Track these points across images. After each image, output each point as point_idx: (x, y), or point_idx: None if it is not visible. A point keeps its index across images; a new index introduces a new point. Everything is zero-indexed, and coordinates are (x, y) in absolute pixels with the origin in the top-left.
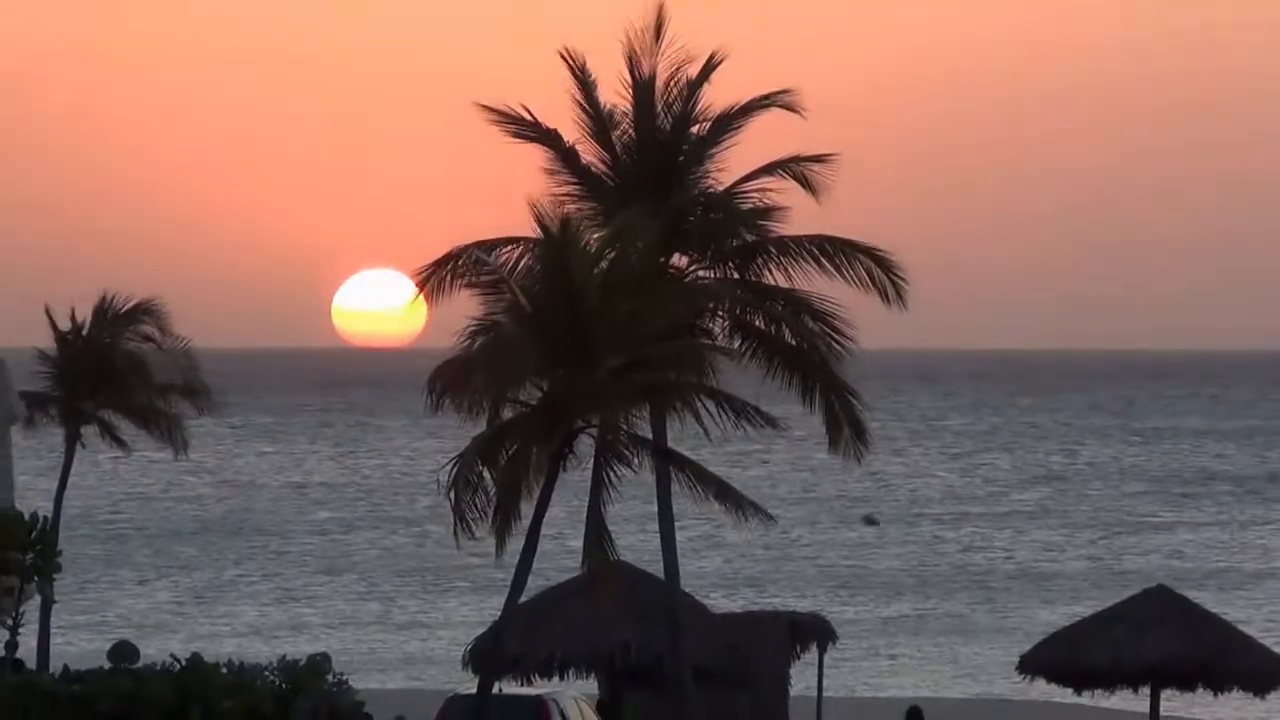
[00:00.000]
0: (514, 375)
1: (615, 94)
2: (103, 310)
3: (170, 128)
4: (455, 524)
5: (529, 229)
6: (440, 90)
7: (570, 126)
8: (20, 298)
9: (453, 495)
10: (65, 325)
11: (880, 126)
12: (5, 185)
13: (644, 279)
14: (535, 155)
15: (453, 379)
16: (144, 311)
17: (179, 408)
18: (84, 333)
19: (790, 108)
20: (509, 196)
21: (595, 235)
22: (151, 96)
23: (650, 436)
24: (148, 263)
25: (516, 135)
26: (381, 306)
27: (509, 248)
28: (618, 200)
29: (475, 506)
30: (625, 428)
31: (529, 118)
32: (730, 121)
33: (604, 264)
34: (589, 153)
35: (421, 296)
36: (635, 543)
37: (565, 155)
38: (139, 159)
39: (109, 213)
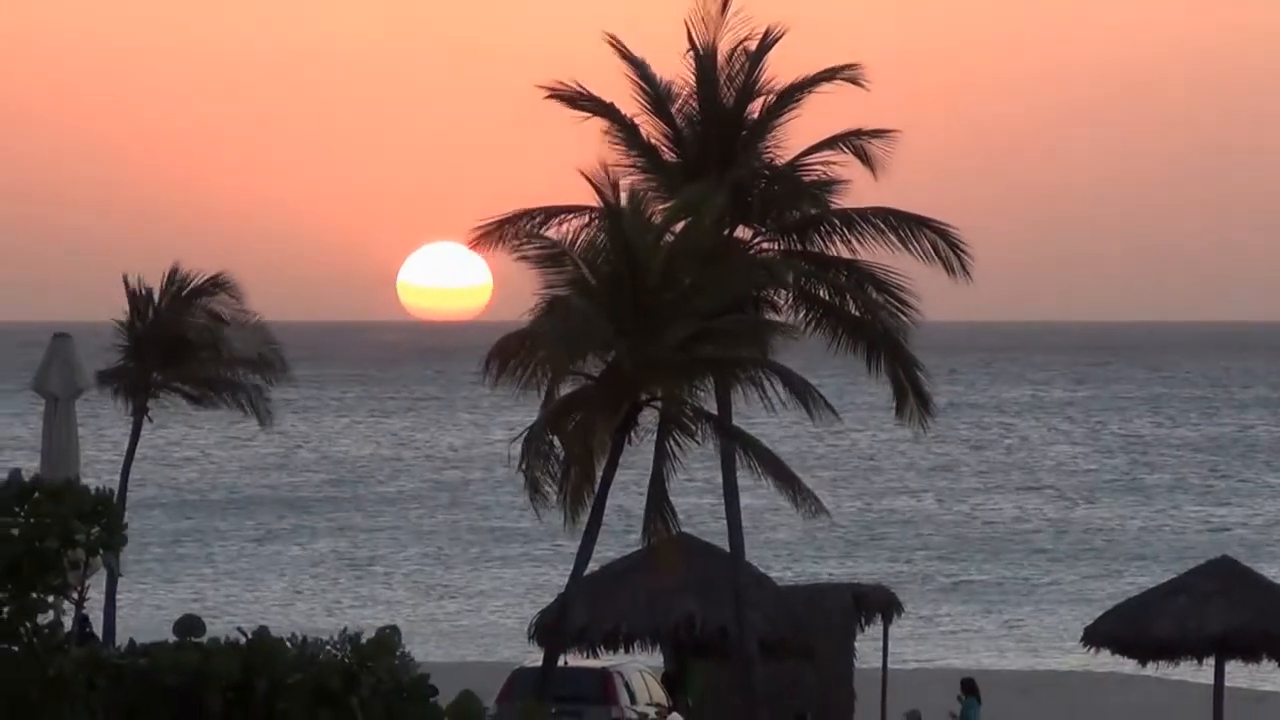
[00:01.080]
0: (579, 348)
1: (678, 66)
2: (173, 283)
3: (237, 108)
4: (530, 493)
5: (591, 199)
6: (507, 64)
7: (629, 101)
8: (95, 275)
9: (525, 465)
10: (136, 297)
11: (941, 100)
12: (84, 166)
13: (709, 251)
14: (598, 130)
15: (518, 352)
16: (215, 285)
17: (255, 380)
18: (155, 304)
19: (854, 81)
20: (574, 170)
21: (659, 208)
22: (218, 81)
23: (713, 409)
24: (216, 239)
25: (577, 108)
26: (446, 281)
27: (571, 216)
28: (679, 173)
29: (549, 474)
30: (689, 401)
31: (586, 94)
32: (794, 94)
33: (669, 237)
34: (649, 127)
35: (477, 251)
36: (689, 507)
37: (625, 128)
38: (206, 139)
39: (180, 192)
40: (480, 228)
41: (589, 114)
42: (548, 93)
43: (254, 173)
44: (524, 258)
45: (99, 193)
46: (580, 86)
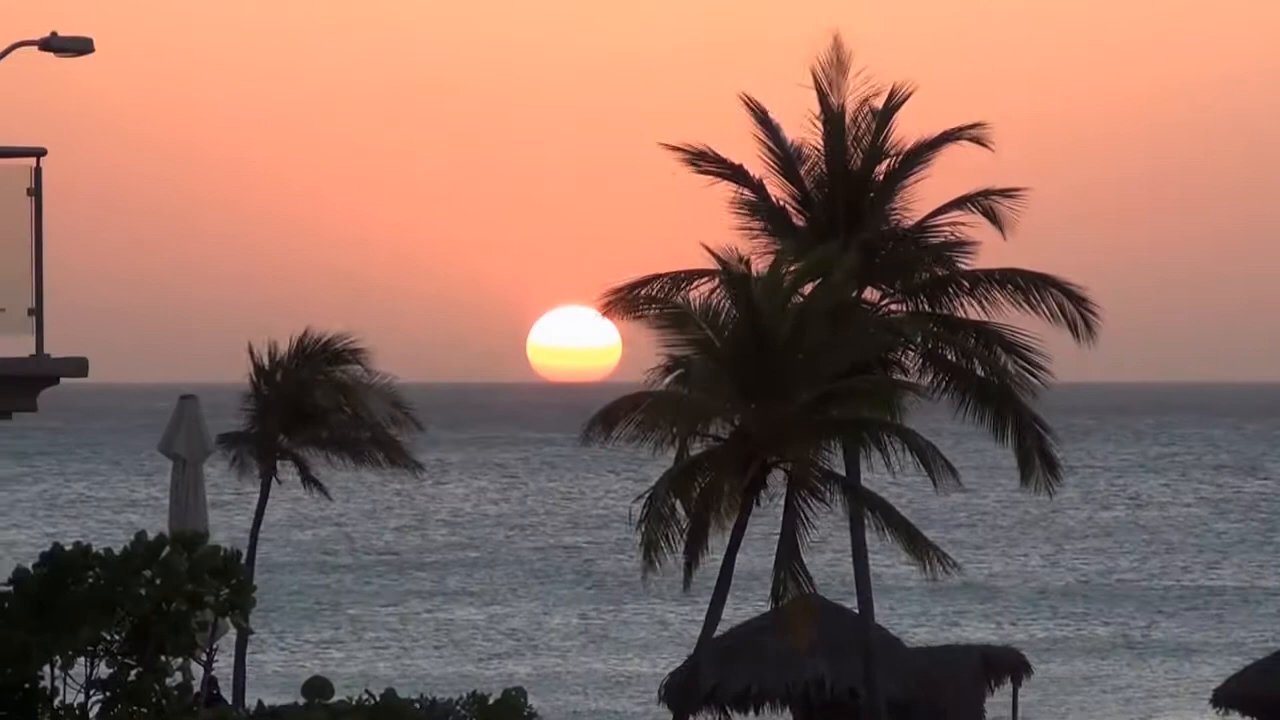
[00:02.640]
0: (705, 410)
1: (805, 128)
2: (303, 347)
3: (367, 166)
4: (644, 557)
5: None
6: (637, 128)
7: (755, 161)
8: (224, 337)
9: (644, 528)
10: (265, 362)
11: (1070, 160)
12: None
13: (837, 313)
14: (725, 191)
15: (631, 413)
16: (344, 349)
17: (394, 436)
18: (282, 369)
19: (980, 141)
20: (706, 231)
21: (788, 270)
22: (347, 138)
23: (840, 469)
24: (345, 299)
25: (704, 172)
26: (576, 342)
27: (703, 280)
28: (808, 236)
29: (668, 540)
30: (818, 463)
31: (713, 155)
32: (920, 155)
33: (797, 298)
34: (776, 188)
35: (607, 317)
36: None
37: (753, 190)
38: (332, 197)
39: (309, 252)
40: (609, 295)
41: (717, 178)
42: (676, 154)
43: (383, 231)
44: (645, 319)
45: (224, 251)
46: (708, 149)
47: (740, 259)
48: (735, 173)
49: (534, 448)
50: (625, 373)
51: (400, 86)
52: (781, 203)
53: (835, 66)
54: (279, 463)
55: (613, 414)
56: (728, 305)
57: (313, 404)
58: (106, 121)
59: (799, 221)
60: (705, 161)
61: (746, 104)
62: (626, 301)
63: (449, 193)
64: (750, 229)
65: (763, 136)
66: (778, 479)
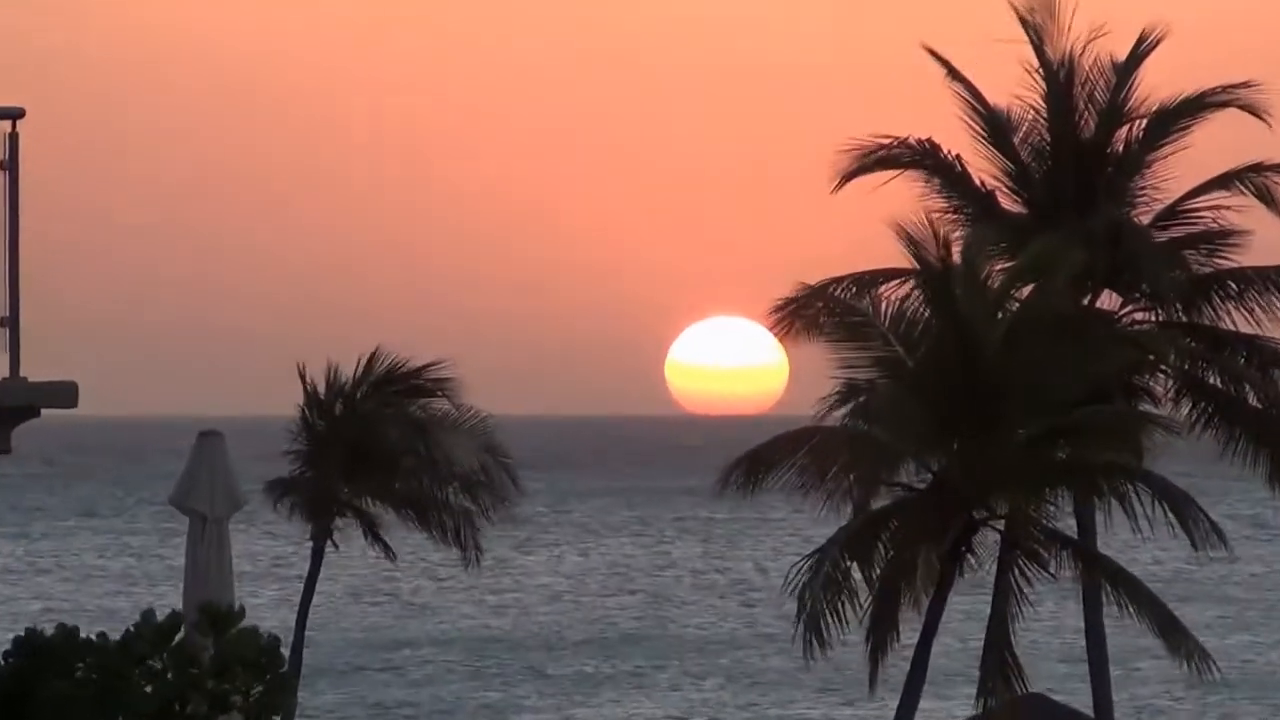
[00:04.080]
0: (895, 450)
1: (1009, 95)
2: (370, 372)
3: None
4: (805, 634)
5: (904, 261)
6: (802, 122)
7: (952, 131)
8: (256, 358)
9: (807, 598)
10: (321, 390)
11: None
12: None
13: (1065, 324)
14: (906, 182)
15: (810, 455)
16: (424, 378)
17: (469, 502)
18: (343, 399)
19: (1252, 110)
20: (886, 218)
21: (998, 267)
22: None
23: (1060, 529)
24: (412, 309)
25: (886, 166)
26: (728, 362)
27: (894, 283)
28: (1025, 222)
29: (837, 612)
30: (1040, 519)
31: (892, 144)
32: (1174, 120)
33: (1012, 305)
34: (979, 164)
35: (779, 339)
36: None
37: (946, 170)
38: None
39: (365, 258)
40: (781, 307)
41: (900, 169)
42: (843, 177)
43: (489, 243)
44: (819, 333)
45: (257, 250)
46: (882, 138)
47: (941, 242)
48: (927, 154)
49: (678, 501)
50: (792, 404)
51: (527, 66)
52: (986, 182)
53: (1044, 11)
54: (337, 519)
55: (766, 456)
56: (924, 315)
57: (379, 445)
58: (89, 79)
59: (1011, 204)
60: (890, 164)
61: (934, 57)
62: (804, 317)
63: (591, 196)
64: (946, 215)
65: (963, 95)
66: (987, 540)
